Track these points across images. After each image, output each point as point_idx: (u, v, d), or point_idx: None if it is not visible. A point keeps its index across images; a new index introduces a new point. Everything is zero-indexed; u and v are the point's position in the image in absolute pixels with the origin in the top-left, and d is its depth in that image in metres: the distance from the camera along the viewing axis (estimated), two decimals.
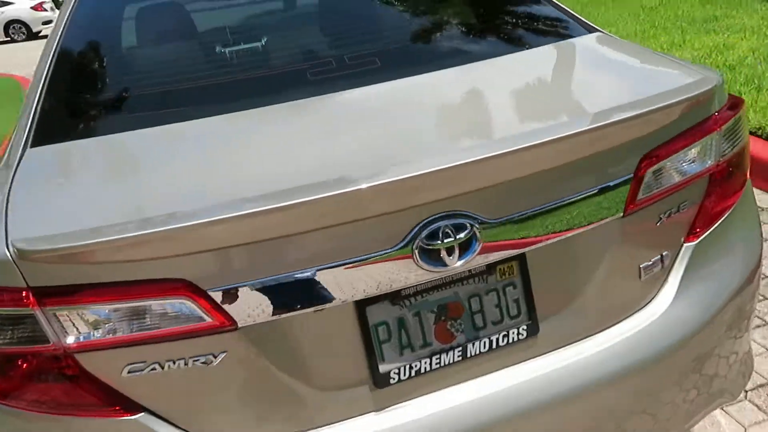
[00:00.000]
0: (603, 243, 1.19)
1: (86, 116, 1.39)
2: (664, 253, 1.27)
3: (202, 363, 1.02)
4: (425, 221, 1.04)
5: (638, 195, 1.19)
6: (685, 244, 1.30)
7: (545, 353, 1.20)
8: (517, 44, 1.53)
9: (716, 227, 1.33)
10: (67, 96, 1.44)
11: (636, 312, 1.26)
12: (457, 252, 1.06)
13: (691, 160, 1.25)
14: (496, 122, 1.17)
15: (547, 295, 1.18)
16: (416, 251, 1.04)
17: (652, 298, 1.28)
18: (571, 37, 1.59)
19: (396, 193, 1.01)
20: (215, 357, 1.02)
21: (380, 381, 1.10)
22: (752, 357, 1.52)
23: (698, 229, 1.31)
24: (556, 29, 1.66)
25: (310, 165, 1.08)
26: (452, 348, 1.14)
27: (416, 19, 1.79)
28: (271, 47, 1.64)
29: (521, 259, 1.15)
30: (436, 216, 1.05)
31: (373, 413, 1.11)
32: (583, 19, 1.69)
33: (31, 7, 18.55)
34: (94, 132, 1.33)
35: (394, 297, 1.09)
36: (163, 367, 1.01)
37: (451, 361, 1.14)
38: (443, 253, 1.05)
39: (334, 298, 1.04)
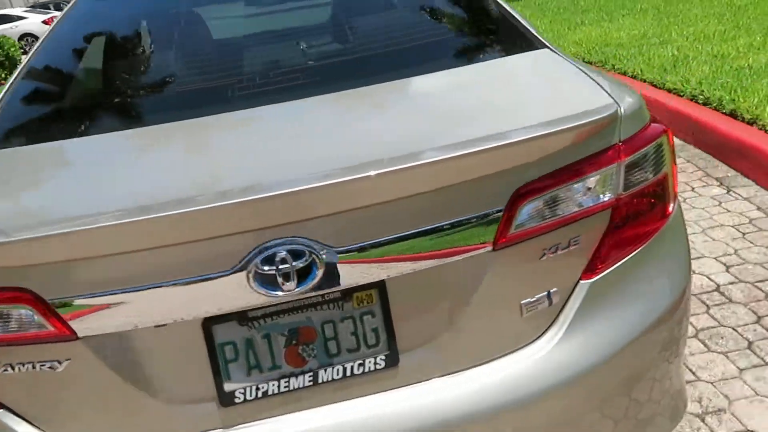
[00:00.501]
0: (473, 276, 1.14)
1: (14, 129, 1.50)
2: (552, 290, 1.19)
3: (49, 368, 1.08)
4: (261, 246, 1.05)
5: (511, 229, 1.13)
6: (580, 282, 1.21)
7: (405, 386, 1.17)
8: (431, 65, 1.47)
9: (623, 264, 1.24)
10: (15, 108, 1.55)
11: (516, 350, 1.19)
12: (294, 279, 1.05)
13: (583, 193, 1.17)
14: (362, 147, 1.14)
15: (410, 326, 1.15)
16: (251, 275, 1.05)
17: (538, 337, 1.21)
18: (502, 55, 1.52)
19: (232, 217, 1.02)
20: (60, 363, 1.08)
21: (225, 400, 1.12)
22: (681, 406, 1.40)
23: (598, 266, 1.21)
24: (488, 48, 1.59)
25: (160, 185, 1.11)
26: (303, 373, 1.13)
27: (341, 34, 1.77)
28: (178, 68, 1.69)
29: (381, 287, 1.12)
30: (274, 241, 1.05)
31: (219, 431, 1.13)
32: (532, 33, 1.60)
33: (43, 22, 20.16)
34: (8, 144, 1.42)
35: (242, 318, 1.10)
36: (14, 369, 1.08)
37: (302, 386, 1.13)
38: (279, 279, 1.05)
39: (174, 316, 1.07)
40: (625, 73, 5.14)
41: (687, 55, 5.13)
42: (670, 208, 1.29)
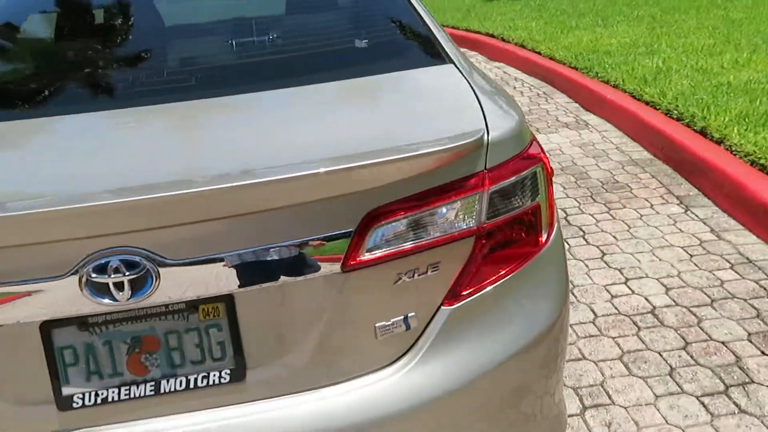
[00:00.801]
0: (324, 296, 1.11)
1: None
2: (409, 315, 1.16)
3: None
4: (93, 254, 1.02)
5: (361, 252, 1.09)
6: (441, 308, 1.18)
7: (252, 401, 1.14)
8: (319, 76, 1.42)
9: (488, 292, 1.20)
10: None
11: (369, 373, 1.17)
12: (128, 288, 1.02)
13: (442, 220, 1.13)
14: (208, 160, 1.11)
15: (259, 341, 1.12)
16: (83, 282, 1.02)
17: (393, 361, 1.18)
18: (399, 69, 1.47)
19: (66, 223, 0.99)
20: None
21: (63, 404, 1.09)
22: None
23: (461, 293, 1.18)
24: (388, 60, 1.55)
25: (14, 183, 1.08)
26: (145, 381, 1.11)
27: (230, 39, 1.72)
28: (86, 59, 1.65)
29: (228, 301, 1.09)
30: (107, 250, 1.02)
31: None
32: (442, 46, 1.56)
33: None
34: None
35: (82, 323, 1.08)
36: None
37: (143, 395, 1.11)
38: (112, 288, 1.02)
39: (11, 317, 1.04)
40: (607, 82, 5.08)
41: (670, 68, 5.07)
42: (543, 239, 1.26)
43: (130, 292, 1.03)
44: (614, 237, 3.08)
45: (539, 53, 6.46)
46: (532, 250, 1.24)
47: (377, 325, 1.14)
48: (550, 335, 1.26)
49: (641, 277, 2.71)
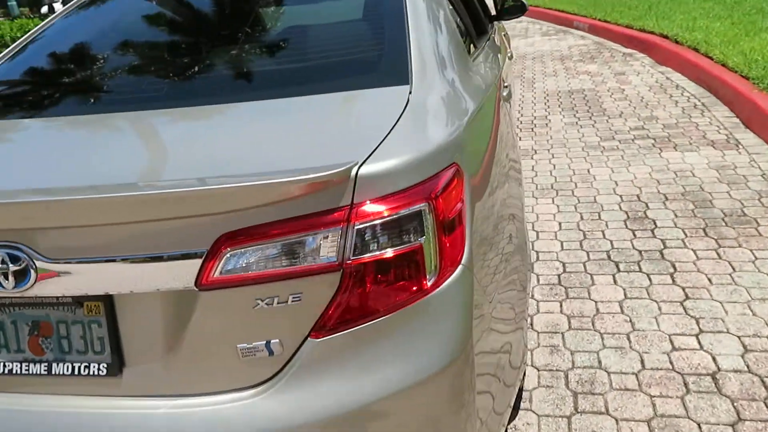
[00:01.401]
0: (187, 310, 1.14)
1: None
2: (273, 341, 1.15)
3: None
4: None
5: (215, 272, 1.11)
6: (309, 339, 1.15)
7: (123, 396, 1.21)
8: (254, 93, 1.43)
9: (362, 329, 1.14)
10: None
11: (230, 391, 1.18)
12: (12, 279, 1.15)
13: (300, 250, 1.10)
14: (92, 172, 1.21)
15: (135, 343, 1.19)
16: None
17: (257, 384, 1.17)
18: (345, 89, 1.43)
19: None
20: None
21: None
22: None
23: (328, 327, 1.14)
24: (341, 78, 1.50)
25: None
26: (41, 361, 1.24)
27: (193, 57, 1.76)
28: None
29: (107, 301, 1.18)
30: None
31: None
32: (408, 65, 1.48)
33: None
34: None
35: None
36: None
37: (39, 372, 1.24)
38: (1, 277, 1.16)
39: None
40: None
41: None
42: (429, 283, 1.15)
43: (14, 283, 1.16)
44: (709, 280, 2.66)
45: (711, 58, 5.72)
46: (414, 294, 1.15)
47: (239, 346, 1.15)
48: (434, 385, 1.17)
49: (719, 332, 2.32)
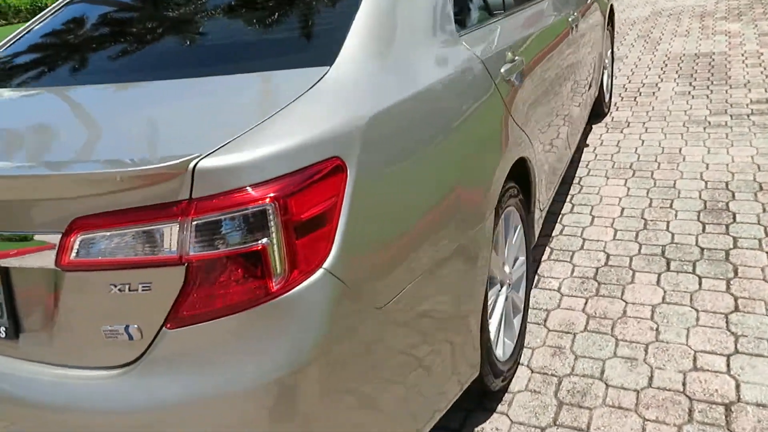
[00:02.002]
0: (53, 287, 1.19)
1: None
2: (131, 326, 1.16)
3: None
4: None
5: (70, 254, 1.13)
6: (164, 328, 1.15)
7: (20, 359, 1.30)
8: (173, 72, 1.40)
9: (210, 326, 1.12)
10: None
11: (101, 368, 1.22)
12: None
13: (142, 241, 1.09)
14: None
15: (28, 311, 1.26)
16: None
17: (122, 365, 1.20)
18: (268, 68, 1.36)
19: None
20: None
21: None
22: None
23: (182, 319, 1.13)
24: (264, 59, 1.42)
25: None
26: None
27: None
28: None
29: (3, 271, 1.26)
30: None
31: None
32: (343, 46, 1.37)
33: None
34: None
35: None
36: None
37: None
38: None
39: None
40: None
41: None
42: (274, 286, 1.08)
43: None
44: None
45: None
46: (259, 296, 1.09)
47: (102, 327, 1.18)
48: (276, 391, 1.12)
49: (757, 356, 1.98)
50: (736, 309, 2.21)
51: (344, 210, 1.16)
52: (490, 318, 1.86)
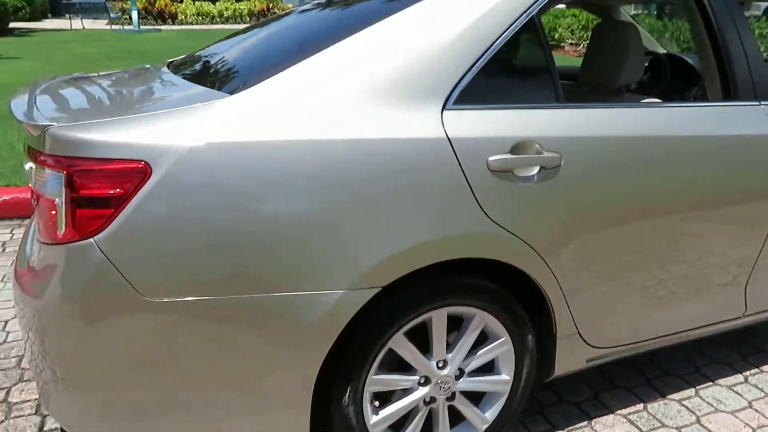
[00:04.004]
0: None
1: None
2: None
3: None
4: None
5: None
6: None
7: None
8: None
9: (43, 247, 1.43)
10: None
11: None
12: None
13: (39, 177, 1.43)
14: None
15: None
16: None
17: None
18: None
19: None
20: None
21: None
22: None
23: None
24: None
25: None
26: None
27: None
28: None
29: None
30: None
31: None
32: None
33: None
34: None
35: None
36: None
37: None
38: None
39: None
40: None
41: None
42: (59, 235, 1.38)
43: None
44: None
45: None
46: (53, 237, 1.39)
47: None
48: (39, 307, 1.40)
49: None
50: (699, 421, 2.11)
51: (134, 202, 1.33)
52: None
